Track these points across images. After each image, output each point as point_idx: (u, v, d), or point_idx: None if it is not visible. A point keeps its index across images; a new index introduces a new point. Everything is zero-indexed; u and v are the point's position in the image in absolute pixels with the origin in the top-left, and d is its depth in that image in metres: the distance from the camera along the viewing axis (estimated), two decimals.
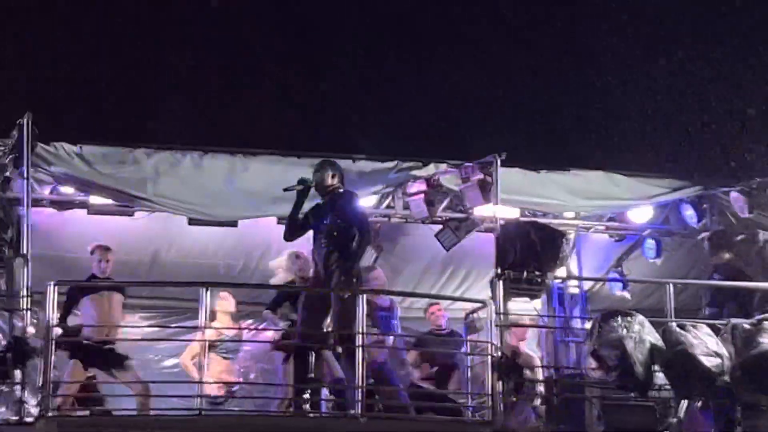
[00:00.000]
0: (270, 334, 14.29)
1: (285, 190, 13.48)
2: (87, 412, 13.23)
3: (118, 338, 13.88)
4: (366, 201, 15.03)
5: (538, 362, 15.15)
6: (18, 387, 12.30)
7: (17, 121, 13.07)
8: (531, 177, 14.96)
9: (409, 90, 20.73)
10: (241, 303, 15.39)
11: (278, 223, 14.82)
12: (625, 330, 13.34)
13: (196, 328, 13.08)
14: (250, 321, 15.83)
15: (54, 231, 14.70)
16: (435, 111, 20.45)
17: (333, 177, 13.53)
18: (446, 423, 13.60)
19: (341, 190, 13.53)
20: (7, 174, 13.28)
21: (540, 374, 14.59)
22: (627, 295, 16.29)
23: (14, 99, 17.02)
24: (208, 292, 12.75)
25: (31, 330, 12.69)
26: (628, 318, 13.44)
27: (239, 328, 14.95)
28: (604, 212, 15.78)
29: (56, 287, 12.48)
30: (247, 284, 15.40)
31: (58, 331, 12.83)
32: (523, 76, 19.52)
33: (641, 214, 15.74)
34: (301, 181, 13.47)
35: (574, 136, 17.81)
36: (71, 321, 13.73)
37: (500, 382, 13.16)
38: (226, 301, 14.68)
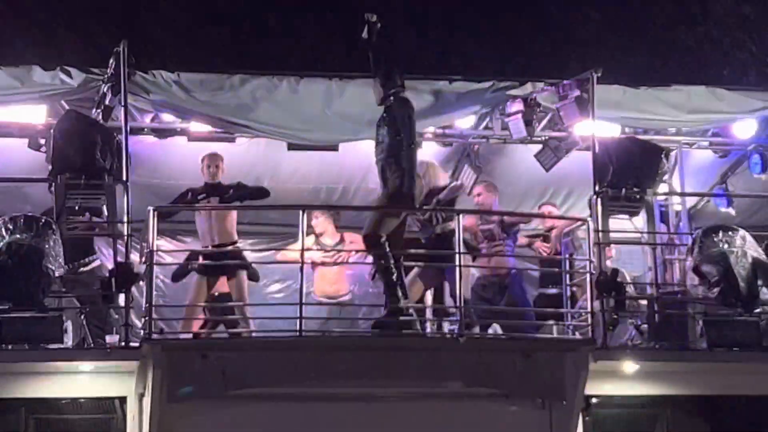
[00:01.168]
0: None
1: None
2: (190, 335, 13.43)
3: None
4: (464, 122, 15.06)
5: (628, 280, 15.04)
6: (123, 311, 12.54)
7: (114, 50, 13.23)
8: (631, 93, 14.70)
9: (503, 9, 20.52)
10: (343, 227, 15.55)
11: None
12: (726, 245, 13.18)
13: (300, 251, 13.07)
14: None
15: (155, 158, 14.92)
16: (531, 28, 20.20)
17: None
18: (547, 341, 13.58)
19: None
20: (107, 103, 13.44)
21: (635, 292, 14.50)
22: (732, 211, 16.05)
23: (111, 27, 17.17)
24: (305, 216, 12.83)
25: (134, 257, 12.95)
26: (730, 233, 13.27)
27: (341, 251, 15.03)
28: (707, 127, 15.50)
29: (156, 213, 12.64)
30: (345, 206, 15.45)
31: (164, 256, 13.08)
32: None
33: (746, 129, 15.41)
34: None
35: (674, 52, 17.45)
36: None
37: (600, 300, 13.06)
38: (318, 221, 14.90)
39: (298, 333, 12.43)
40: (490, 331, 13.64)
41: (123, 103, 13.09)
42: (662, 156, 13.75)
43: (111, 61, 13.19)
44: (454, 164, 16.19)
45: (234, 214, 14.32)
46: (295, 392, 12.43)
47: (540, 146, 15.16)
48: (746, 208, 16.27)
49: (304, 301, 12.61)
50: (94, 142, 12.68)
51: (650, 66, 17.07)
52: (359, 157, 15.33)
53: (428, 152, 15.55)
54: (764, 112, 15.08)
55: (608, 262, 14.31)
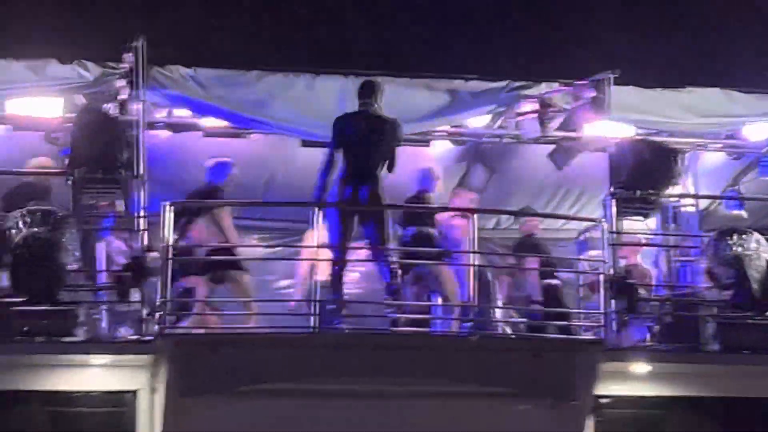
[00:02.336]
0: None
1: None
2: (203, 330, 13.45)
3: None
4: (478, 121, 15.07)
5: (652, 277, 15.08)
6: (138, 306, 12.58)
7: (132, 45, 13.26)
8: (646, 95, 14.77)
9: (520, 8, 20.53)
10: None
11: None
12: (740, 248, 13.18)
13: (310, 247, 13.15)
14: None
15: (170, 153, 14.93)
16: (547, 28, 20.20)
17: None
18: (558, 342, 13.60)
19: None
20: (124, 97, 13.47)
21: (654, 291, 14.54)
22: (744, 213, 16.07)
23: (129, 22, 17.16)
24: (321, 213, 12.86)
25: (153, 254, 12.94)
26: (744, 236, 13.28)
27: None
28: (720, 130, 15.52)
29: (172, 207, 12.66)
30: (356, 207, 15.46)
31: None
32: None
33: (759, 132, 15.45)
34: None
35: (689, 53, 17.44)
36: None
37: (613, 301, 13.08)
38: None
39: (311, 329, 12.46)
40: None
41: (141, 99, 13.13)
42: (676, 158, 13.75)
43: (129, 55, 13.22)
44: (466, 163, 16.20)
45: None
46: (306, 389, 12.42)
47: (553, 146, 15.20)
48: (758, 210, 16.27)
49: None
50: (112, 136, 12.71)
51: (666, 67, 17.03)
52: None
53: (441, 150, 15.61)
54: None
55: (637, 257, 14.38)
